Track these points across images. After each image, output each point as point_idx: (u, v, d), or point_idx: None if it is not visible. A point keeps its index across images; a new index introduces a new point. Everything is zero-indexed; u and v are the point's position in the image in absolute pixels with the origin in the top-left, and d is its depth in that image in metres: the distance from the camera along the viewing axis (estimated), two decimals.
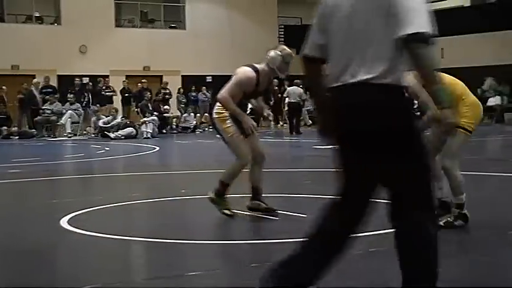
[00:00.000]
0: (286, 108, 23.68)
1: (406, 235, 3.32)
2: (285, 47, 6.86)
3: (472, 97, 6.07)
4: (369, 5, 3.16)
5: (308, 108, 25.50)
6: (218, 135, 6.82)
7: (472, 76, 25.94)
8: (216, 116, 6.68)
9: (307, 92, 22.71)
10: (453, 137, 5.77)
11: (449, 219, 5.99)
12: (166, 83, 25.10)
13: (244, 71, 6.61)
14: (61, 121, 21.81)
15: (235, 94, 6.48)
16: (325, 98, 3.38)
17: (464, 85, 6.05)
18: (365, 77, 3.15)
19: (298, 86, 22.60)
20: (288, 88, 22.99)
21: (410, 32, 3.06)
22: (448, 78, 5.87)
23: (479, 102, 6.13)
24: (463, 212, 6.03)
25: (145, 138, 20.06)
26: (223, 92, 6.50)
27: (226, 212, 6.68)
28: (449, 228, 5.85)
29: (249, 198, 6.79)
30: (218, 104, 6.64)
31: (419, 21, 3.11)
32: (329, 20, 3.29)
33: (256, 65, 6.70)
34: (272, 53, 6.67)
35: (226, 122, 6.62)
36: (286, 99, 23.00)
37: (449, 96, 3.26)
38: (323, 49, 3.35)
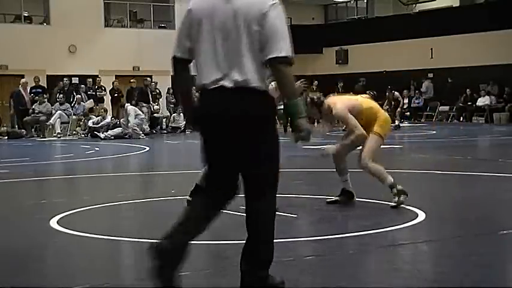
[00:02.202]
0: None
1: None
2: None
3: (384, 114, 7.51)
4: (240, 23, 3.72)
5: None
6: None
7: (460, 76, 26.13)
8: None
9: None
10: (371, 140, 7.10)
11: (395, 199, 6.98)
12: (156, 83, 24.90)
13: None
14: (50, 121, 21.70)
15: None
16: (191, 94, 4.01)
17: (377, 105, 7.62)
18: (241, 84, 3.75)
19: None
20: None
21: (275, 56, 3.68)
22: (366, 101, 7.45)
23: (389, 118, 7.64)
24: (399, 188, 7.01)
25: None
26: None
27: None
28: (400, 205, 6.91)
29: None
30: None
31: (284, 45, 3.71)
32: (198, 29, 3.82)
33: None
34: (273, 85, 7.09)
35: None
36: None
37: (304, 108, 3.92)
38: (191, 52, 3.89)
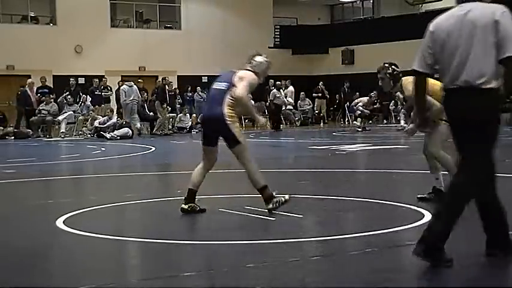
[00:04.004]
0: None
1: None
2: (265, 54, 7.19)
3: None
4: (477, 32, 4.52)
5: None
6: (222, 137, 6.85)
7: None
8: (229, 119, 6.74)
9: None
10: (437, 129, 7.05)
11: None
12: (171, 82, 24.73)
13: (252, 75, 6.85)
14: (58, 118, 21.69)
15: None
16: (425, 100, 5.07)
17: None
18: (476, 82, 4.52)
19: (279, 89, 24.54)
20: (274, 91, 24.04)
21: (509, 55, 4.43)
22: (439, 84, 7.04)
23: None
24: None
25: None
26: (242, 90, 6.70)
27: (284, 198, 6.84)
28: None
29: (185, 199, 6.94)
30: (229, 104, 6.72)
31: None
32: (441, 46, 4.65)
33: (247, 69, 6.95)
34: (260, 58, 6.99)
35: (237, 125, 6.81)
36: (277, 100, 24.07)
37: None
38: (431, 67, 4.75)
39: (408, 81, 7.02)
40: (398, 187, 7.20)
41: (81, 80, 24.87)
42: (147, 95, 23.33)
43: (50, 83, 24.42)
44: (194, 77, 27.75)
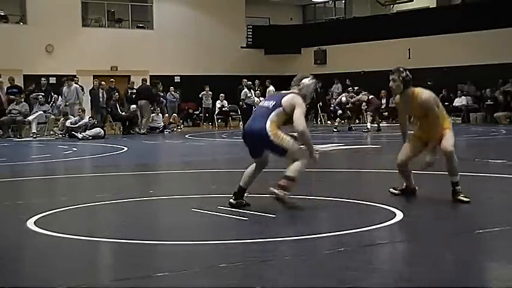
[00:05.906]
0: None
1: None
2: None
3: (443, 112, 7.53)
4: None
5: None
6: (270, 150, 6.98)
7: (438, 76, 26.31)
8: (271, 132, 6.87)
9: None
10: (449, 133, 7.31)
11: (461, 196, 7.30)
12: (133, 83, 24.82)
13: (302, 102, 6.95)
14: (29, 118, 21.47)
15: None
16: None
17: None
18: None
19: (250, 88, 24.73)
20: (245, 90, 24.19)
21: None
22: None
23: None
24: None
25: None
26: (302, 125, 6.81)
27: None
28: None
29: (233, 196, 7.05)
30: (272, 120, 6.89)
31: None
32: None
33: (295, 92, 7.04)
34: (307, 81, 7.13)
35: (279, 134, 6.89)
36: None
37: None
38: None
39: (427, 96, 7.26)
40: (370, 186, 7.28)
41: (53, 80, 24.67)
42: (119, 94, 23.28)
43: (20, 82, 24.18)
44: (166, 76, 27.65)
